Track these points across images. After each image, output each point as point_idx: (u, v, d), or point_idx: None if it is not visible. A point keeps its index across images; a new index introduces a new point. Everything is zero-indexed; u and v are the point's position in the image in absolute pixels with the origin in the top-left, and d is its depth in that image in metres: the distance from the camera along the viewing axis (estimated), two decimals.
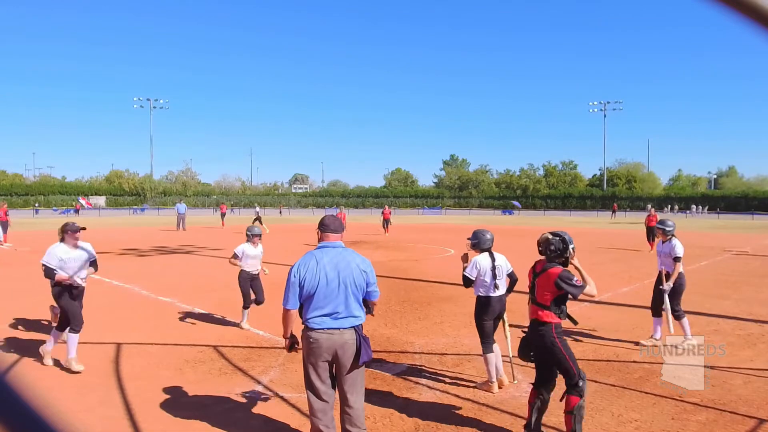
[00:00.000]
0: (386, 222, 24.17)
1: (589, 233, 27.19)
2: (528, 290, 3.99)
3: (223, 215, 32.37)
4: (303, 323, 3.49)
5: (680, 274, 6.38)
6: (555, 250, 3.84)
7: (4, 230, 19.46)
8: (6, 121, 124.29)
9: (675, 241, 6.46)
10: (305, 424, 4.14)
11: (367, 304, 3.62)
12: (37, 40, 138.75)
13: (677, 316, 6.30)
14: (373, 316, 3.67)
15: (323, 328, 3.39)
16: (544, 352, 3.78)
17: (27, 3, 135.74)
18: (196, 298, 9.09)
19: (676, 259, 6.33)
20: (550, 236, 3.90)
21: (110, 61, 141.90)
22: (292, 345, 3.60)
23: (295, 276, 3.43)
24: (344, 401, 3.47)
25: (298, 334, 3.55)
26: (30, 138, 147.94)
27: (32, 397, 0.48)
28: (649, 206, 22.76)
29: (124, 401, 4.56)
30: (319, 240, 3.65)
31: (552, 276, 3.75)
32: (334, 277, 3.41)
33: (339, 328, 3.39)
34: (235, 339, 6.62)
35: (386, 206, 27.20)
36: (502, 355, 5.11)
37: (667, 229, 6.58)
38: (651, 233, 17.10)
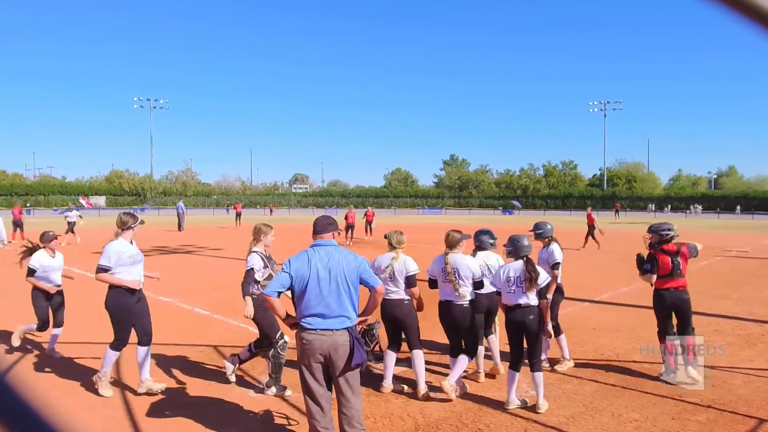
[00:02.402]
0: (368, 224, 22.58)
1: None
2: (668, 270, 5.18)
3: (238, 215, 31.88)
4: (296, 321, 3.50)
5: (557, 284, 5.51)
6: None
7: (21, 229, 20.16)
8: (6, 121, 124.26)
9: (554, 246, 5.54)
10: (305, 424, 4.14)
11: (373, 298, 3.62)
12: (37, 39, 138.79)
13: (555, 331, 5.38)
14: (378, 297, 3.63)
15: (315, 329, 3.37)
16: (683, 309, 5.13)
17: (27, 3, 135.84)
18: (196, 298, 9.08)
19: (555, 266, 5.42)
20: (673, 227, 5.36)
21: (110, 61, 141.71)
22: (292, 324, 3.55)
23: (286, 268, 3.46)
24: (341, 402, 3.46)
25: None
26: (30, 138, 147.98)
27: (32, 397, 0.48)
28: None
29: (124, 401, 4.56)
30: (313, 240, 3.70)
31: (686, 250, 5.22)
32: (325, 275, 3.40)
33: (331, 329, 3.37)
34: (235, 339, 6.62)
35: (369, 207, 25.20)
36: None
37: (546, 232, 5.64)
38: (590, 232, 18.93)
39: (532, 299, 4.43)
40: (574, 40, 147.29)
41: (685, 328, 5.13)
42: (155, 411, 4.35)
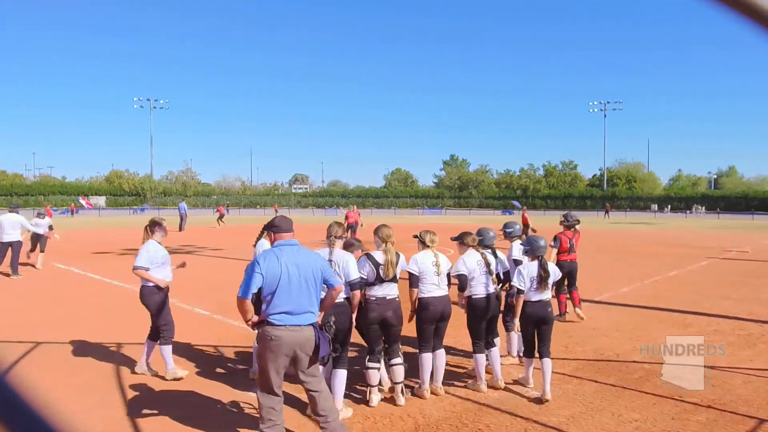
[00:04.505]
0: (354, 226, 20.01)
1: (589, 233, 27.17)
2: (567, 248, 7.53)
3: (220, 217, 33.14)
4: (262, 318, 3.57)
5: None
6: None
7: (50, 228, 20.14)
8: (6, 121, 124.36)
9: (515, 244, 5.87)
10: (305, 424, 4.14)
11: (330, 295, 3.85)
12: (37, 40, 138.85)
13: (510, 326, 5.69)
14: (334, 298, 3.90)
15: (285, 325, 3.48)
16: (575, 272, 7.41)
17: (27, 3, 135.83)
18: (196, 298, 9.08)
19: (517, 263, 5.63)
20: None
21: (110, 61, 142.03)
22: (257, 323, 3.61)
23: (257, 269, 3.50)
24: (308, 389, 3.65)
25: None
26: (30, 138, 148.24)
27: (32, 397, 0.48)
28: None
29: (124, 401, 4.56)
30: (272, 241, 3.80)
31: (578, 236, 7.74)
32: (295, 273, 3.53)
33: (299, 325, 3.51)
34: (235, 339, 6.63)
35: (354, 206, 22.63)
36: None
37: (515, 231, 5.96)
38: (524, 231, 19.20)
39: (547, 293, 4.87)
40: (574, 40, 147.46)
41: (573, 284, 7.54)
42: (155, 411, 4.35)
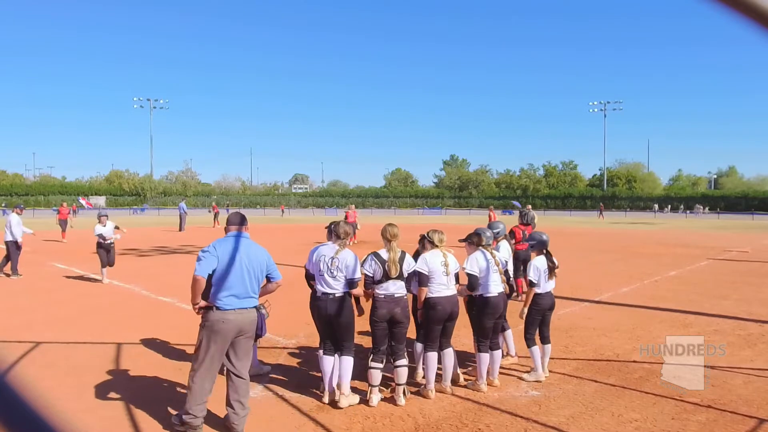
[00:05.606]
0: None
1: (589, 233, 27.19)
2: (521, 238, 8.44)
3: (216, 215, 32.88)
4: (209, 304, 3.81)
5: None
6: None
7: (63, 228, 21.05)
8: (6, 121, 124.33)
9: (501, 245, 5.81)
10: (305, 424, 4.14)
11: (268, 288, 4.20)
12: (37, 39, 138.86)
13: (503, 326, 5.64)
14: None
15: (233, 309, 3.81)
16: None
17: (27, 2, 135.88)
18: None
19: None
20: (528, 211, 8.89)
21: (110, 61, 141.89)
22: (205, 307, 3.85)
23: (213, 252, 3.83)
24: (235, 371, 3.90)
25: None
26: (30, 138, 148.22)
27: (32, 397, 0.48)
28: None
29: (124, 401, 4.55)
30: (227, 231, 4.09)
31: (531, 229, 8.48)
32: (246, 261, 3.91)
33: (245, 308, 3.88)
34: None
35: (353, 206, 22.51)
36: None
37: (501, 232, 5.91)
38: None
39: (553, 283, 5.36)
40: (575, 40, 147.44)
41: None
42: (155, 411, 4.35)
